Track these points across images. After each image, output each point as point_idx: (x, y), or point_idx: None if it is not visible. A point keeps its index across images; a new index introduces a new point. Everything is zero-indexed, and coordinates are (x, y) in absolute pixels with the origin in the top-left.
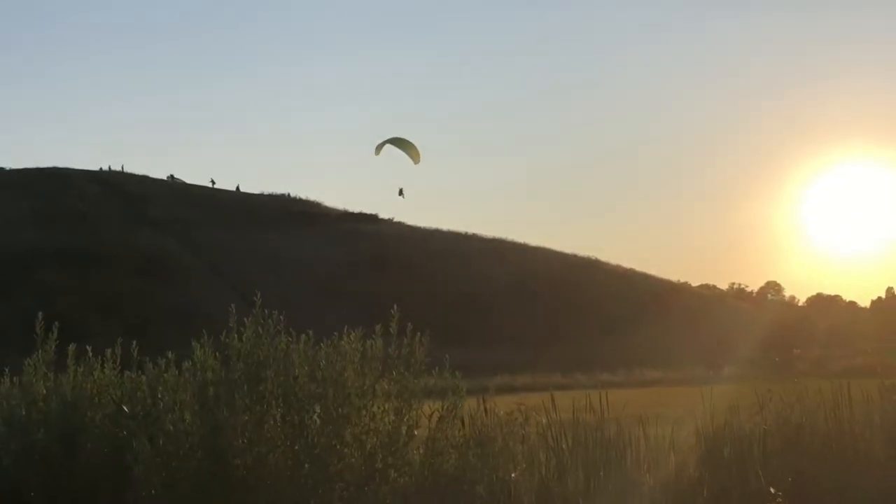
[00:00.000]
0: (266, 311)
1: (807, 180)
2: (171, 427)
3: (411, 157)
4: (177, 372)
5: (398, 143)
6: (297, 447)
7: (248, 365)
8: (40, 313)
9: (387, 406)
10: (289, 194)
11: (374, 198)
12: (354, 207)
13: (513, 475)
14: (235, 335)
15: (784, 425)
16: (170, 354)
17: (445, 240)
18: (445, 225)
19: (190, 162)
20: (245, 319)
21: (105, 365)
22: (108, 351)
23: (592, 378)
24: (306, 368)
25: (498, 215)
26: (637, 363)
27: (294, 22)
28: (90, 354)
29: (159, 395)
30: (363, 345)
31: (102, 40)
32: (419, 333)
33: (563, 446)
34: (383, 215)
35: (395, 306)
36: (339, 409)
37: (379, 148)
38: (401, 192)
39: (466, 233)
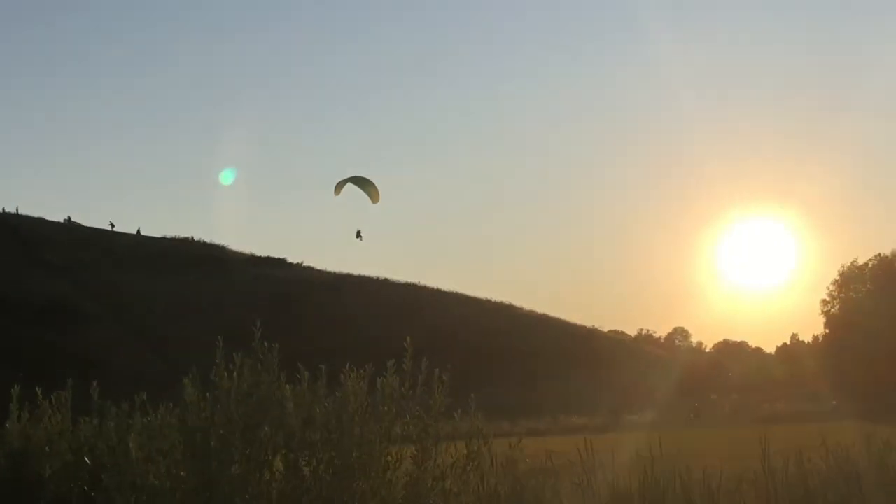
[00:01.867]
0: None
1: (713, 231)
2: (155, 481)
3: (370, 196)
4: (148, 418)
5: (358, 181)
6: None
7: (246, 407)
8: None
9: (405, 452)
10: (192, 237)
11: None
12: (261, 251)
13: None
14: (225, 373)
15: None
16: (137, 397)
17: (357, 284)
18: (357, 270)
19: (87, 205)
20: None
21: (56, 410)
22: (54, 395)
23: (518, 425)
24: (317, 410)
25: (410, 261)
26: (560, 409)
27: (171, 58)
28: (39, 398)
29: (129, 445)
30: (375, 384)
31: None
32: (438, 371)
33: None
34: (291, 259)
35: (408, 339)
36: (355, 456)
37: (339, 187)
38: (358, 234)
39: (378, 277)
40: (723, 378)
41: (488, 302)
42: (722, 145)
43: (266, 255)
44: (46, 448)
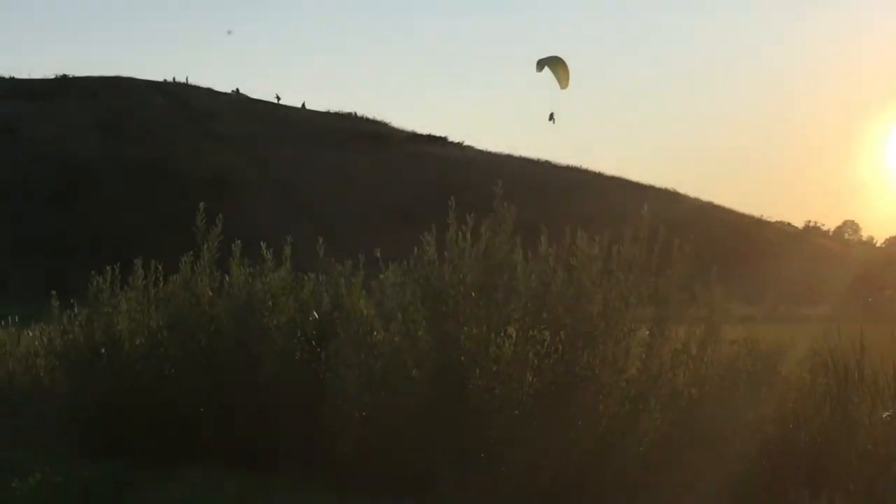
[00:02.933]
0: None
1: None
2: (394, 338)
3: (560, 80)
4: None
5: (555, 62)
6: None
7: (487, 266)
8: (201, 206)
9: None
10: (355, 113)
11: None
12: (423, 129)
13: None
14: (459, 234)
15: None
16: (360, 256)
17: (518, 166)
18: (516, 151)
19: (254, 74)
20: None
21: (282, 265)
22: (286, 249)
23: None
24: (559, 273)
25: (571, 142)
26: (726, 298)
27: None
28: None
29: (362, 303)
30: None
31: None
32: (678, 240)
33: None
34: (452, 138)
35: (645, 206)
36: (600, 325)
37: (541, 64)
38: (551, 117)
39: (539, 159)
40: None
41: (651, 188)
42: None
43: (427, 133)
44: (270, 303)
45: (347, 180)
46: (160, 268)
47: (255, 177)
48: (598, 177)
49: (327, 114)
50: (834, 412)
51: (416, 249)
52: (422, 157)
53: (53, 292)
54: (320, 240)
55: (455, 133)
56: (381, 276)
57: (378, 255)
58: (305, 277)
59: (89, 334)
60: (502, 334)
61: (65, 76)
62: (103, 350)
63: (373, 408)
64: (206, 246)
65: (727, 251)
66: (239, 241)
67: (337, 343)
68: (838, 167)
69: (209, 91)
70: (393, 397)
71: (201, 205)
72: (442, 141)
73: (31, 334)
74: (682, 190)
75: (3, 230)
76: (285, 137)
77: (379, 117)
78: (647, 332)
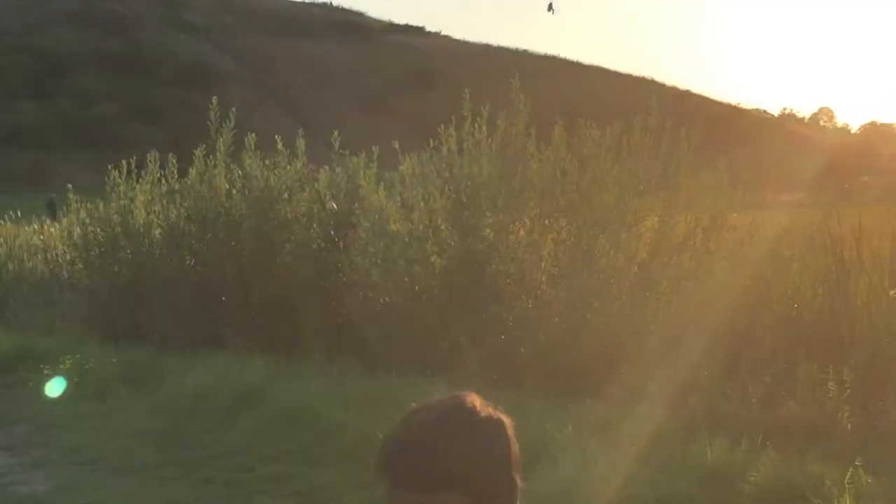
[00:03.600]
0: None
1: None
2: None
3: None
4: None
5: None
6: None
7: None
8: (215, 98)
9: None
10: (331, 3)
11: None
12: (400, 19)
13: None
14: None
15: None
16: (374, 148)
17: (496, 55)
18: (494, 40)
19: None
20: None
21: (295, 158)
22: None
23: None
24: (575, 163)
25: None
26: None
27: None
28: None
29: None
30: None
31: None
32: (685, 130)
33: None
34: (430, 28)
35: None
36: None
37: None
38: (550, 8)
39: (517, 48)
40: (872, 160)
41: (629, 76)
42: None
43: (405, 22)
44: (285, 195)
45: (323, 71)
46: (175, 161)
47: (230, 68)
48: (575, 65)
49: (302, 4)
50: (833, 292)
51: (396, 142)
52: (399, 47)
53: (69, 186)
54: (300, 130)
55: (433, 23)
56: (400, 167)
57: (397, 146)
58: (320, 170)
59: (108, 227)
60: (518, 222)
61: None
62: (122, 242)
63: (395, 294)
64: (220, 139)
65: (706, 138)
66: (253, 135)
67: (354, 234)
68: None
69: None
70: (414, 284)
71: (214, 98)
72: (420, 30)
73: (33, 227)
74: (658, 78)
75: None
76: (260, 27)
77: (355, 7)
78: (657, 219)
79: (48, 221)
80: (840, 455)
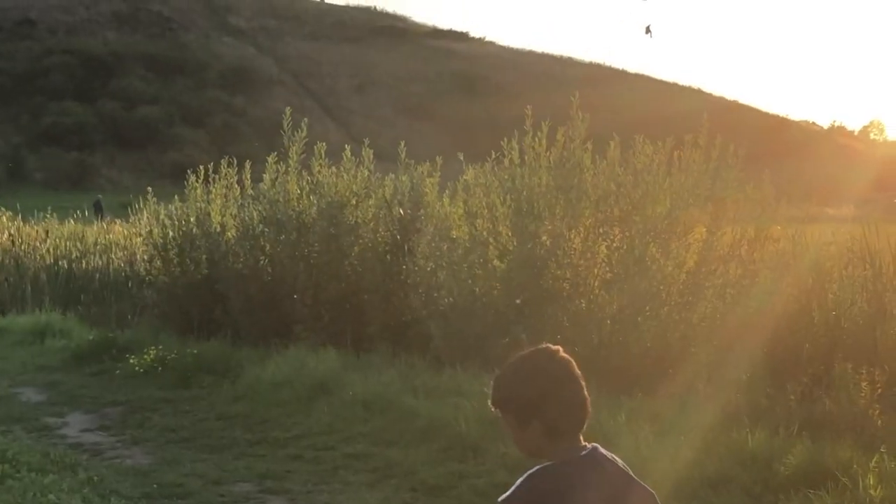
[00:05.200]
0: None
1: None
2: (481, 233)
3: None
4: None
5: None
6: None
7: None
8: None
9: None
10: (374, 7)
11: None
12: (443, 24)
13: None
14: (537, 140)
15: None
16: (438, 158)
17: (539, 63)
18: (539, 46)
19: None
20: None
21: (362, 165)
22: (366, 150)
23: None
24: (626, 175)
25: (594, 38)
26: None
27: None
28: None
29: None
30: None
31: None
32: (733, 146)
33: None
34: (474, 34)
35: (705, 115)
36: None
37: None
38: (648, 30)
39: (562, 55)
40: None
41: (676, 85)
42: None
43: (448, 27)
44: (353, 201)
45: (366, 75)
46: (248, 167)
47: (273, 71)
48: (621, 73)
49: (346, 7)
50: (870, 301)
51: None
52: (442, 53)
53: (150, 189)
54: (362, 141)
55: (477, 28)
56: (464, 177)
57: (461, 157)
58: (385, 178)
59: (186, 227)
60: (575, 230)
61: None
62: (198, 242)
63: (458, 295)
64: (293, 147)
65: (753, 151)
66: (324, 143)
67: (418, 237)
68: (864, 64)
69: None
70: (476, 286)
71: (288, 109)
72: (463, 36)
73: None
74: (706, 88)
75: (23, 123)
76: (304, 31)
77: (399, 11)
78: (704, 230)
79: (98, 220)
80: (869, 445)
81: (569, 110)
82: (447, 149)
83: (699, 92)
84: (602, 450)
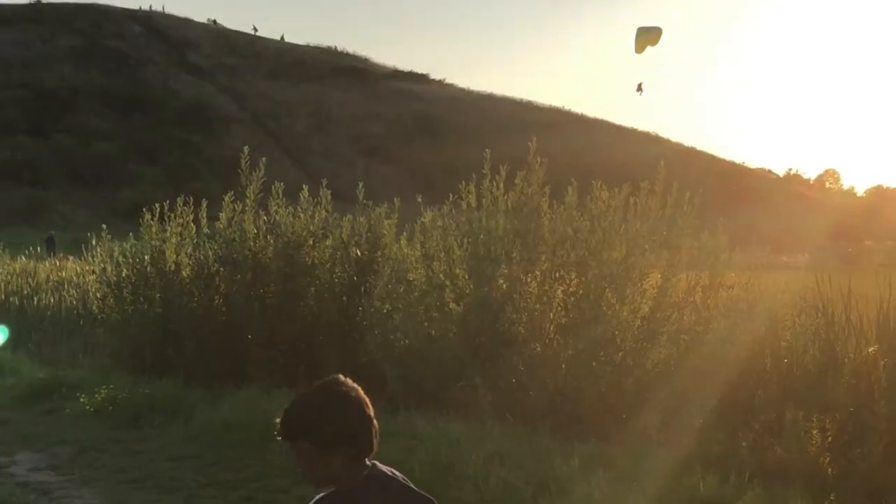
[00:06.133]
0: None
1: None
2: (438, 276)
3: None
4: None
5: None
6: (567, 306)
7: (521, 215)
8: (246, 149)
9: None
10: (335, 47)
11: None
12: (404, 65)
13: None
14: (494, 184)
15: None
16: (396, 199)
17: (500, 106)
18: (499, 89)
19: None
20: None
21: (320, 206)
22: (323, 191)
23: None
24: (583, 221)
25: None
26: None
27: None
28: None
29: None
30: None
31: None
32: (689, 194)
33: None
34: (434, 75)
35: (662, 163)
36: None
37: (641, 45)
38: (639, 88)
39: (521, 99)
40: (878, 224)
41: (633, 131)
42: None
43: (409, 69)
44: (310, 241)
45: (325, 115)
46: (204, 206)
47: (232, 109)
48: (580, 118)
49: (307, 47)
50: (823, 350)
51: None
52: (402, 94)
53: (104, 226)
54: (320, 181)
55: (437, 70)
56: (421, 219)
57: (419, 199)
58: (343, 219)
59: (140, 266)
60: (531, 274)
61: (38, 1)
62: (153, 281)
63: (414, 338)
64: (250, 187)
65: (709, 198)
66: (282, 183)
67: (374, 279)
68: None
69: (186, 20)
70: (432, 329)
71: (246, 148)
72: (424, 78)
73: (54, 262)
74: (662, 133)
75: None
76: (263, 70)
77: (360, 52)
78: (660, 276)
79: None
80: (819, 493)
81: (527, 155)
82: (406, 190)
83: (656, 137)
84: (382, 466)
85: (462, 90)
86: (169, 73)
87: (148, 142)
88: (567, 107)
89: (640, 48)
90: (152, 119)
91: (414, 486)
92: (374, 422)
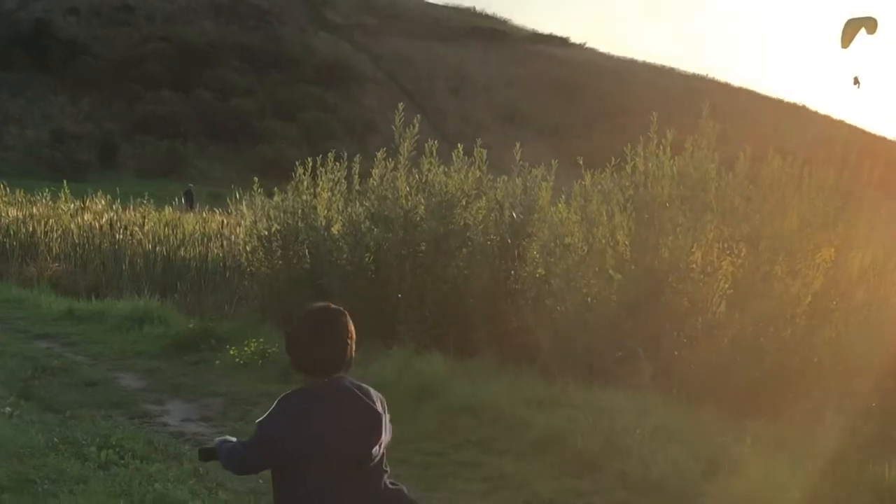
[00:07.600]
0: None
1: None
2: (599, 241)
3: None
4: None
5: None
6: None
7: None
8: (401, 106)
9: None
10: (474, 8)
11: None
12: (544, 28)
13: None
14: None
15: None
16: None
17: (640, 72)
18: (640, 55)
19: None
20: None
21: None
22: (478, 150)
23: None
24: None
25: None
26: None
27: None
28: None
29: (561, 207)
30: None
31: None
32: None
33: None
34: (574, 39)
35: None
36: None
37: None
38: (856, 81)
39: (663, 66)
40: None
41: (780, 101)
42: None
43: (549, 32)
44: (463, 201)
45: (462, 76)
46: (358, 161)
47: (368, 69)
48: (724, 86)
49: (446, 7)
50: None
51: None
52: (541, 58)
53: (256, 179)
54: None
55: (577, 34)
56: (580, 182)
57: (581, 161)
58: (497, 180)
59: (292, 220)
60: (696, 244)
61: None
62: (302, 236)
63: (571, 304)
64: (404, 144)
65: (888, 178)
66: (435, 142)
67: (529, 243)
68: None
69: None
70: (590, 296)
71: (400, 105)
72: (563, 42)
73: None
74: (811, 106)
75: (117, 110)
76: (400, 29)
77: (499, 13)
78: (833, 251)
79: (188, 209)
80: None
81: (674, 121)
82: (541, 155)
83: (802, 108)
84: (347, 380)
85: (602, 55)
86: (307, 30)
87: (284, 99)
88: (710, 74)
89: (846, 43)
90: (289, 76)
91: (371, 400)
92: (350, 346)
